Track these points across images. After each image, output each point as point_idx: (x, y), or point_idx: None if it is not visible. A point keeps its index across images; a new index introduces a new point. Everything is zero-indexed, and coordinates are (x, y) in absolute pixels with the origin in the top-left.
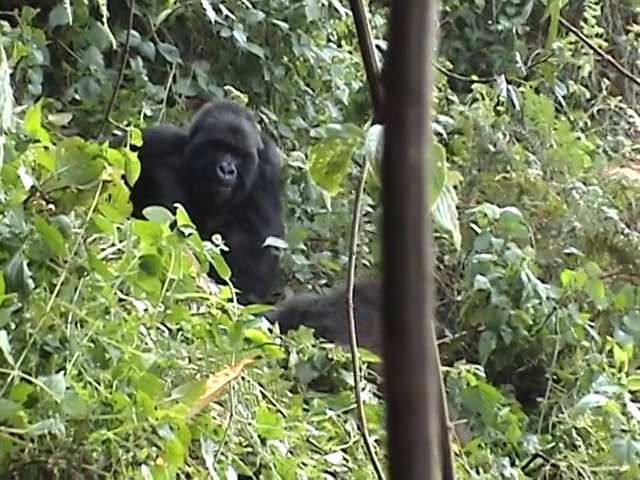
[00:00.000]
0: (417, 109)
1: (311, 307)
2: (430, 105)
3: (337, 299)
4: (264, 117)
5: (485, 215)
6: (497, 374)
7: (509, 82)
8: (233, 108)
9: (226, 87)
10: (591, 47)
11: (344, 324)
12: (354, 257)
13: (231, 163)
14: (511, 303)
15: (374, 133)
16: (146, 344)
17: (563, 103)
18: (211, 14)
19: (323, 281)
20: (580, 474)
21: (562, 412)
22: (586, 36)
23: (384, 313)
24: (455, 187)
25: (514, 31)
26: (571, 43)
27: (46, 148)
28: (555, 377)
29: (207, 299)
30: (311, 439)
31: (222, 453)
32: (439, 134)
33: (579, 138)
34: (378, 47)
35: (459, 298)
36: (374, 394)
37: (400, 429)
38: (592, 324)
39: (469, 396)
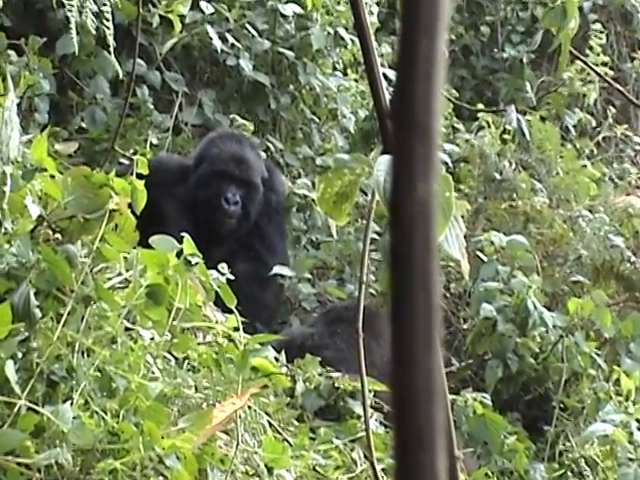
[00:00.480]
0: (425, 145)
1: (307, 341)
2: (438, 140)
3: (332, 329)
4: (270, 145)
5: (492, 243)
6: (504, 402)
7: (517, 111)
8: (237, 137)
9: (231, 115)
10: (599, 75)
11: (344, 354)
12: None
13: (236, 194)
14: (517, 331)
15: (382, 163)
16: (153, 373)
17: (573, 132)
18: (217, 43)
19: None
20: None
21: (569, 440)
22: (592, 64)
23: (393, 346)
24: (462, 216)
25: (521, 60)
26: (577, 71)
27: (53, 177)
28: (562, 405)
29: (213, 328)
30: (318, 468)
31: None
32: (445, 163)
33: (585, 166)
34: (385, 76)
35: (465, 326)
36: (380, 423)
37: (409, 462)
38: (599, 352)
39: (476, 424)
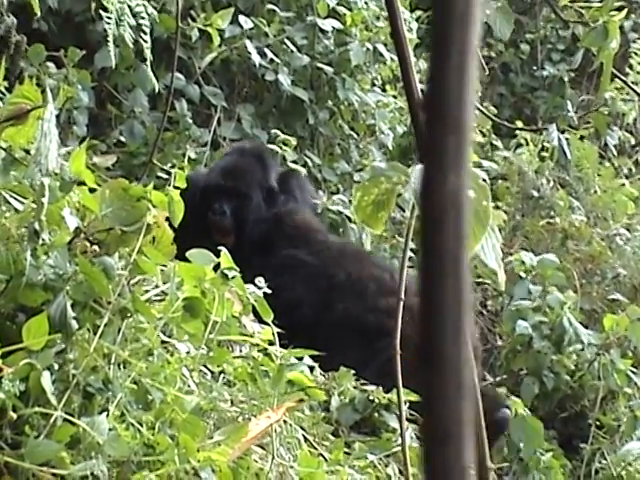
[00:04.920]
0: (457, 135)
1: None
2: (470, 131)
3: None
4: (308, 160)
5: (522, 263)
6: (540, 420)
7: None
8: (242, 150)
9: (273, 131)
10: (638, 94)
11: None
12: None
13: (223, 205)
14: (553, 348)
15: (419, 172)
16: (188, 386)
17: (614, 151)
18: (256, 58)
19: None
20: None
21: (605, 458)
22: (632, 82)
23: (422, 337)
24: (499, 231)
25: (561, 78)
26: (617, 89)
27: (91, 190)
28: (598, 423)
29: (249, 340)
30: None
31: None
32: (483, 180)
33: (623, 184)
34: (423, 92)
35: (500, 343)
36: (416, 436)
37: (436, 456)
38: (635, 370)
39: (515, 427)
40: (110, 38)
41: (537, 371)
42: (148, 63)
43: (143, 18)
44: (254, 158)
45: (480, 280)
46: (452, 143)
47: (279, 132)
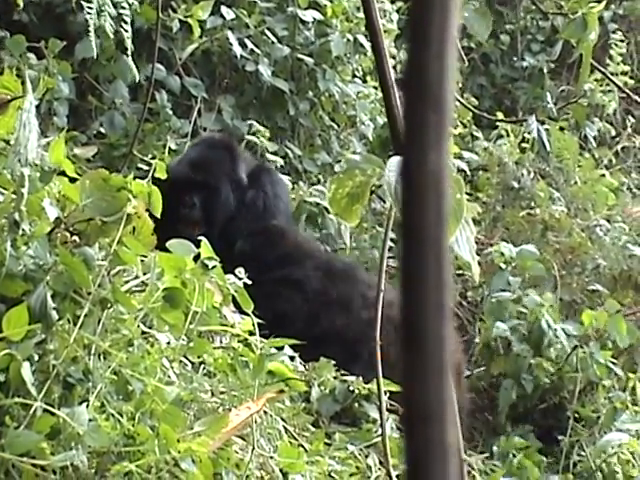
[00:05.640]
0: (437, 114)
1: None
2: (451, 110)
3: None
4: (288, 152)
5: (502, 254)
6: (518, 414)
7: (536, 120)
8: (210, 142)
9: (249, 122)
10: (618, 87)
11: None
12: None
13: (192, 197)
14: (532, 351)
15: (393, 164)
16: (169, 377)
17: (593, 143)
18: (237, 49)
19: None
20: None
21: (584, 450)
22: (612, 74)
23: (403, 321)
24: (479, 223)
25: (540, 69)
26: (596, 80)
27: (71, 180)
28: (577, 415)
29: (230, 331)
30: (333, 474)
31: None
32: (463, 170)
33: (603, 175)
34: (398, 81)
35: (477, 340)
36: (396, 427)
37: (417, 438)
38: (615, 361)
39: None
40: (92, 28)
41: (516, 374)
42: (129, 53)
43: (124, 8)
44: (222, 150)
45: (460, 271)
46: (432, 121)
47: (256, 123)
